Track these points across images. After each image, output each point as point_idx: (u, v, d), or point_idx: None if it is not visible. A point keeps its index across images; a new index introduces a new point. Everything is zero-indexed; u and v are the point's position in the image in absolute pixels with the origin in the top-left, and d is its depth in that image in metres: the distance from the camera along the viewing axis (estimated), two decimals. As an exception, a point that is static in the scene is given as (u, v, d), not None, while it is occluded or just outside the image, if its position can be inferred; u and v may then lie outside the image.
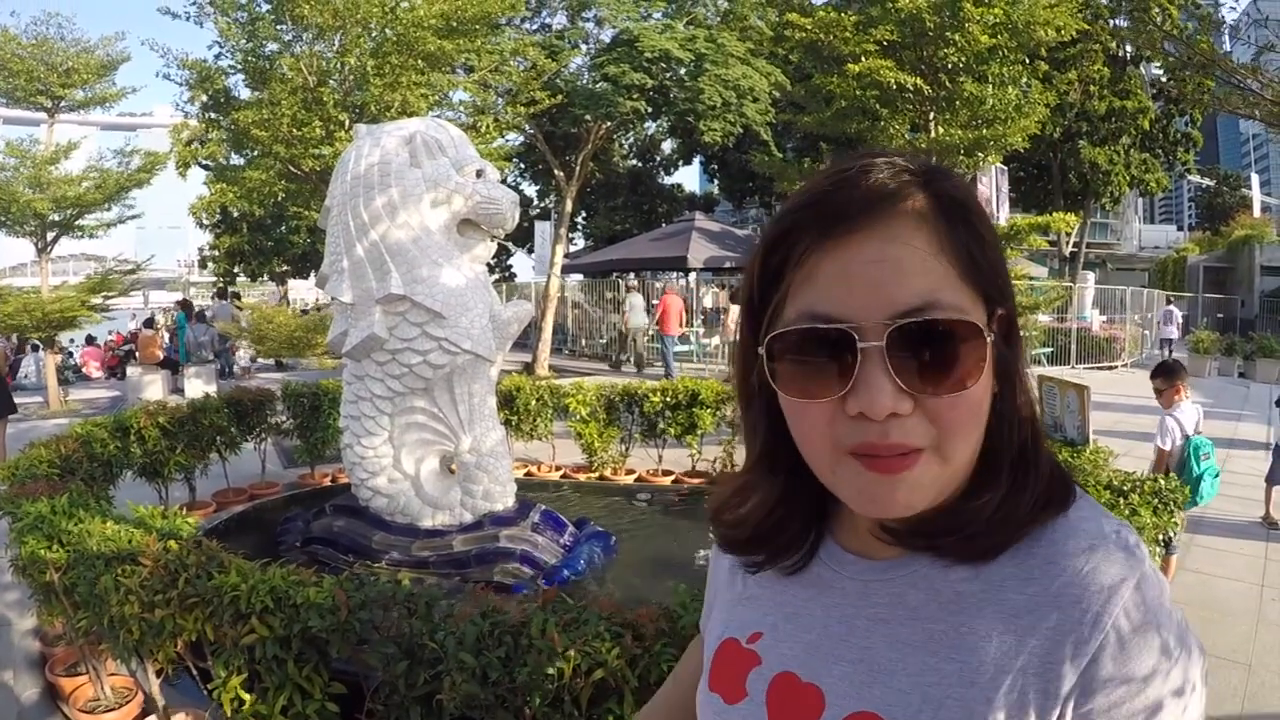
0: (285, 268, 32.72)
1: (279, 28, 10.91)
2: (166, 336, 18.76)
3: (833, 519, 0.81)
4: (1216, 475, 5.20)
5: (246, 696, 2.55)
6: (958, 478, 0.69)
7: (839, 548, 0.79)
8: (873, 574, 0.75)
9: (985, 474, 0.70)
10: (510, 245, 26.41)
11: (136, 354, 16.30)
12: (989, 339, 0.66)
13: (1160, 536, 3.74)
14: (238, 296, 21.83)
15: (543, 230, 19.55)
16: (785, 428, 0.73)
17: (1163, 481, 3.87)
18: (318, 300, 25.08)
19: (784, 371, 0.69)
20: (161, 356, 15.68)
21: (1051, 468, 0.73)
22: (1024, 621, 0.65)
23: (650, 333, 16.70)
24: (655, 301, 16.64)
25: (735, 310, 13.47)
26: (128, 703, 3.60)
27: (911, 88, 13.32)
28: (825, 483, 0.71)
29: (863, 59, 13.03)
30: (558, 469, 7.58)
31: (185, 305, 19.01)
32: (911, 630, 0.70)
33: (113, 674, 3.69)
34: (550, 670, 2.03)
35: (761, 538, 0.81)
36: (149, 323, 20.97)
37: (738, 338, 0.78)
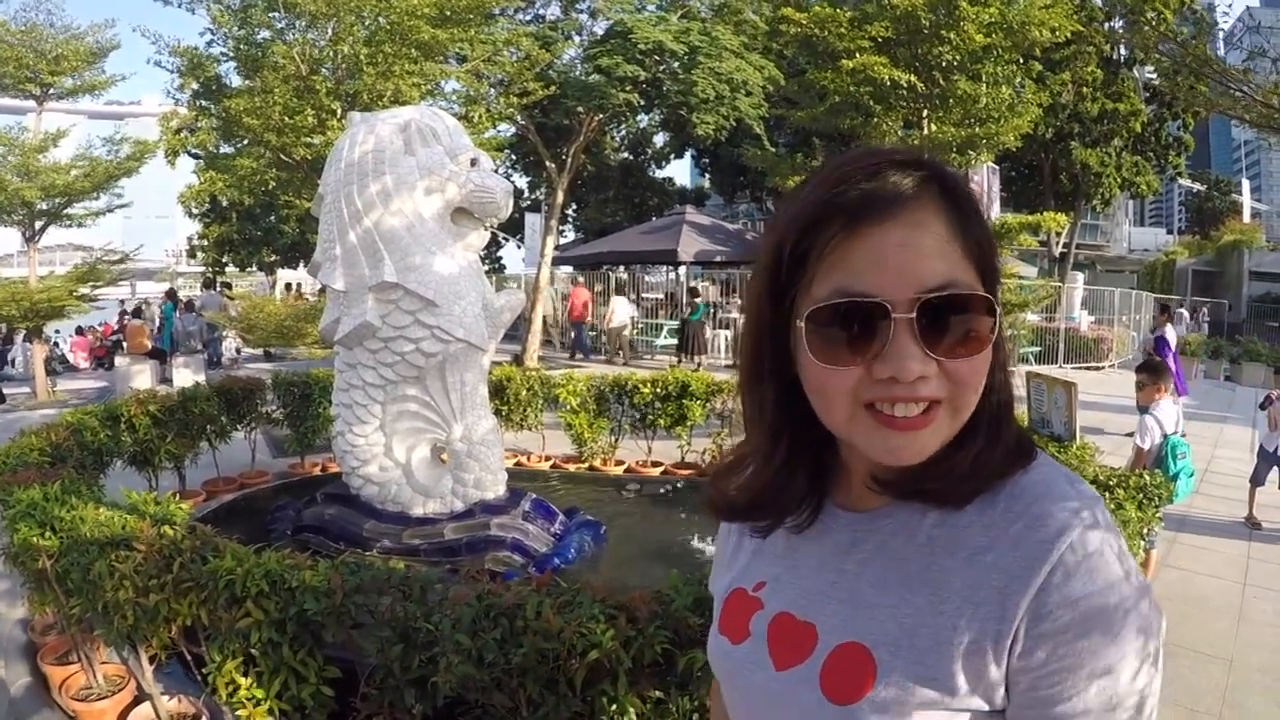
0: (274, 257, 32.41)
1: (272, 15, 10.82)
2: (157, 323, 18.61)
3: (829, 481, 0.90)
4: (1191, 474, 5.34)
5: (242, 680, 2.55)
6: (957, 430, 0.78)
7: (833, 505, 0.89)
8: (860, 524, 0.86)
9: (966, 429, 0.78)
10: (500, 236, 26.32)
11: (124, 344, 16.14)
12: (998, 310, 0.76)
13: (1144, 530, 3.79)
14: (228, 286, 21.60)
15: (533, 222, 19.45)
16: (792, 401, 0.82)
17: (1148, 477, 3.92)
18: (301, 288, 24.91)
19: (815, 341, 0.76)
20: (149, 346, 15.55)
21: (1017, 428, 0.83)
22: (985, 559, 0.75)
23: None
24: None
25: (616, 301, 13.90)
26: (120, 690, 3.56)
27: (905, 85, 13.35)
28: (840, 434, 0.80)
29: (857, 55, 13.05)
30: (547, 459, 7.59)
31: (171, 295, 18.90)
32: (891, 570, 0.81)
33: (104, 662, 3.66)
34: (545, 651, 2.05)
35: (764, 503, 0.90)
36: (137, 312, 20.78)
37: (753, 317, 0.85)
